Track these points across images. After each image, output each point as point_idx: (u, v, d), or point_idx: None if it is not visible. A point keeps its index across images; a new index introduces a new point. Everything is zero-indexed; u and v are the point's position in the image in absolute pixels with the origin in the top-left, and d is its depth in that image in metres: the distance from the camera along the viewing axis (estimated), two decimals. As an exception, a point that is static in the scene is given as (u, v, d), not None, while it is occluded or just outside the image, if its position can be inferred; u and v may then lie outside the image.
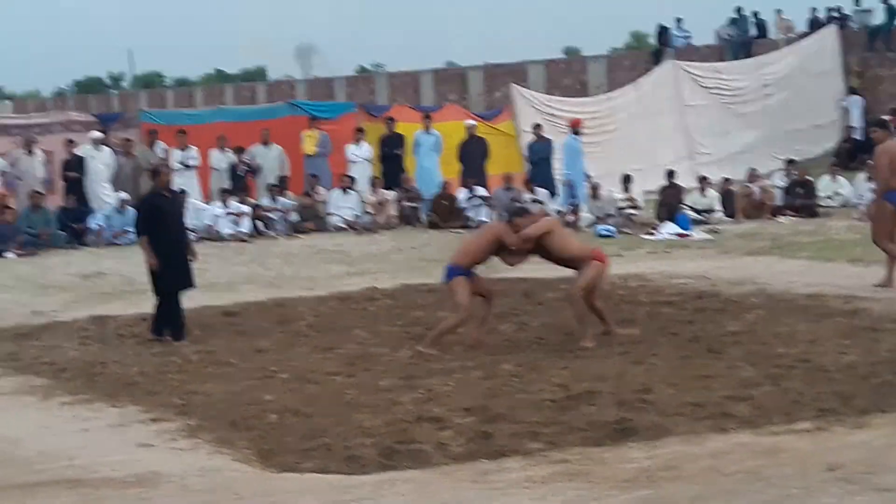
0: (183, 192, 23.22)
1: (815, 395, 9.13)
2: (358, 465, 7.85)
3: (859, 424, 8.28)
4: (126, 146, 24.21)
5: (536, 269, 16.72)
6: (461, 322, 11.89)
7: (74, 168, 23.42)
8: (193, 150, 24.42)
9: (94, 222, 22.62)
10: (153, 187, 13.64)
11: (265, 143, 25.20)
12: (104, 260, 20.09)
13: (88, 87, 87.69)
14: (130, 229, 22.52)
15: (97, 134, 24.19)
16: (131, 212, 22.81)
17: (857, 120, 32.27)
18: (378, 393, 9.87)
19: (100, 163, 23.74)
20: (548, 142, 25.77)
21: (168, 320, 13.08)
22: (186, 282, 13.34)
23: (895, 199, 14.31)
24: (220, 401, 9.80)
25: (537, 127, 26.16)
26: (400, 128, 26.16)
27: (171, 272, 13.13)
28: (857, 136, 31.57)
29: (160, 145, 24.30)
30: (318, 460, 8.01)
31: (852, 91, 32.86)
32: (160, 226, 13.08)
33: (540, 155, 25.82)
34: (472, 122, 26.51)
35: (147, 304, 15.25)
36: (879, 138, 15.00)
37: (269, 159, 25.12)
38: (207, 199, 24.15)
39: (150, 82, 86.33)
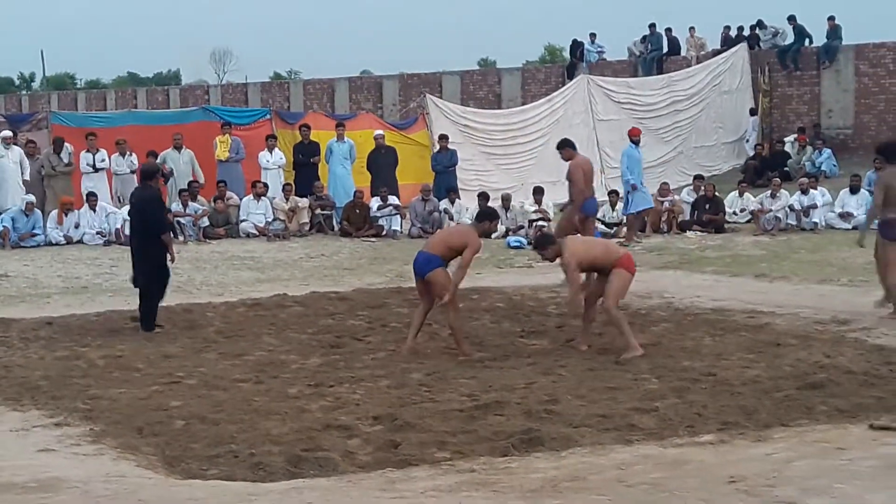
0: (92, 194, 23.01)
1: (718, 408, 9.26)
2: (265, 472, 7.81)
3: (761, 438, 8.42)
4: (30, 148, 23.89)
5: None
6: (457, 308, 12.04)
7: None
8: (103, 153, 24.14)
9: (0, 224, 22.23)
10: (152, 187, 14.03)
11: (177, 147, 24.99)
12: (9, 262, 19.78)
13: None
14: (38, 231, 22.29)
15: (7, 133, 23.81)
16: (38, 214, 22.54)
17: (753, 140, 32.91)
18: (286, 400, 9.85)
19: (10, 161, 23.39)
20: (452, 152, 25.90)
21: (154, 312, 13.60)
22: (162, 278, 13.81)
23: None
24: (125, 406, 9.70)
25: (442, 138, 26.28)
26: (314, 135, 26.09)
27: (161, 269, 13.69)
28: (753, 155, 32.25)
29: (67, 150, 23.99)
30: (224, 467, 7.96)
31: (752, 112, 33.42)
32: (154, 224, 13.65)
33: (444, 164, 25.98)
34: (380, 132, 26.52)
35: (51, 308, 15.11)
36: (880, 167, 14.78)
37: (181, 164, 24.91)
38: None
39: (61, 84, 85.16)
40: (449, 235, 12.47)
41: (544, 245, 12.09)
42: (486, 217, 12.83)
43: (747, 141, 33.44)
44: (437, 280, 11.84)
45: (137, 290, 13.79)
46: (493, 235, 22.83)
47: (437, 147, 26.33)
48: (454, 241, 11.99)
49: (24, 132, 24.96)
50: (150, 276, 13.69)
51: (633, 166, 22.73)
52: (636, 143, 23.05)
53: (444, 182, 25.59)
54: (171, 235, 13.86)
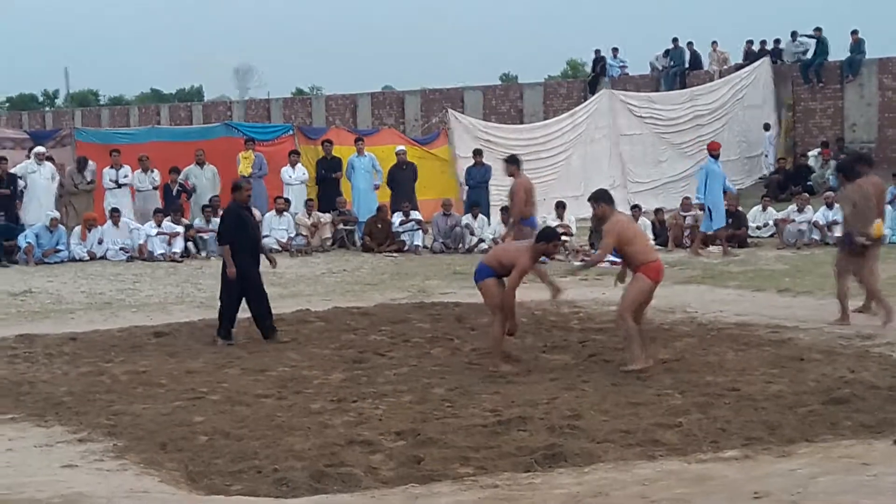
0: (115, 210, 23.11)
1: (742, 423, 9.22)
2: (288, 488, 7.81)
3: (785, 453, 8.37)
4: (60, 162, 24.08)
5: (472, 294, 16.80)
6: (502, 323, 12.01)
7: (4, 185, 23.15)
8: (126, 169, 24.25)
9: (24, 240, 22.35)
10: (235, 200, 14.22)
11: (200, 163, 25.09)
12: (33, 278, 19.87)
13: (22, 104, 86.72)
14: (61, 248, 22.40)
15: (41, 149, 24.05)
16: (62, 230, 22.66)
17: (770, 156, 32.85)
18: (309, 416, 9.84)
19: (42, 178, 23.57)
20: (486, 167, 25.92)
21: (231, 322, 13.88)
22: (253, 287, 13.99)
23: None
24: (149, 422, 9.72)
25: (477, 153, 26.32)
26: (337, 151, 26.17)
27: (240, 278, 13.80)
28: (770, 170, 32.21)
29: (90, 167, 24.13)
30: (247, 483, 7.96)
31: (766, 128, 33.31)
32: (241, 237, 13.86)
33: (477, 180, 25.99)
34: (401, 147, 26.59)
35: (75, 324, 15.17)
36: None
37: (204, 180, 25.01)
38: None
39: (84, 100, 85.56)
40: (504, 251, 12.43)
41: (600, 199, 11.95)
42: (544, 238, 12.15)
43: (766, 156, 33.34)
44: (484, 290, 12.10)
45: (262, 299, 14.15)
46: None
47: (473, 161, 26.32)
48: (505, 258, 12.06)
49: (48, 148, 25.10)
50: (221, 285, 14.02)
51: (713, 182, 22.57)
52: (716, 157, 22.94)
53: (477, 197, 25.60)
54: (228, 253, 13.90)
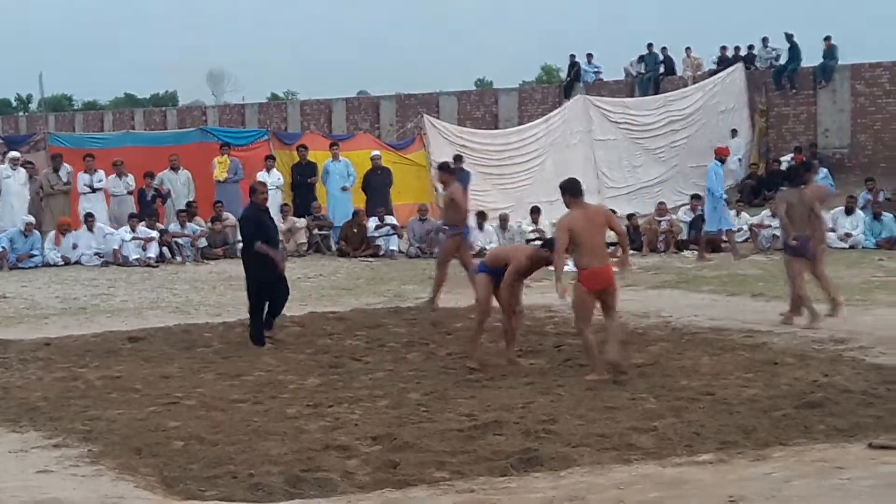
0: (90, 215, 23.02)
1: (717, 427, 9.27)
2: (264, 493, 7.81)
3: (760, 457, 8.42)
4: (28, 170, 23.97)
5: (444, 299, 16.82)
6: (480, 319, 12.31)
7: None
8: (101, 174, 24.17)
9: (-1, 245, 22.25)
10: (253, 203, 14.38)
11: (174, 168, 25.04)
12: (7, 283, 19.79)
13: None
14: (36, 252, 22.30)
15: (14, 154, 23.95)
16: (36, 235, 22.56)
17: (734, 163, 32.66)
18: (285, 421, 9.84)
19: (16, 182, 23.49)
20: (466, 173, 25.97)
21: (262, 326, 13.93)
22: (279, 290, 14.12)
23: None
24: (124, 427, 9.69)
25: (457, 158, 26.34)
26: (312, 156, 26.16)
27: (267, 281, 13.97)
28: (736, 178, 32.12)
29: (66, 168, 24.04)
30: (223, 488, 7.95)
31: (733, 134, 33.27)
32: (263, 238, 13.96)
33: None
34: (376, 152, 26.61)
35: (49, 329, 15.12)
36: (805, 180, 15.36)
37: (179, 185, 24.97)
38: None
39: (58, 105, 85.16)
40: (503, 249, 12.66)
41: (565, 190, 11.94)
42: (549, 245, 12.12)
43: (740, 161, 33.21)
44: (475, 283, 12.59)
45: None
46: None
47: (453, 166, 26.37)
48: (503, 255, 12.42)
49: (22, 153, 25.00)
50: (248, 289, 14.15)
51: (718, 185, 22.75)
52: (722, 161, 23.03)
53: None
54: (267, 246, 13.99)
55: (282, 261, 14.25)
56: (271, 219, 14.64)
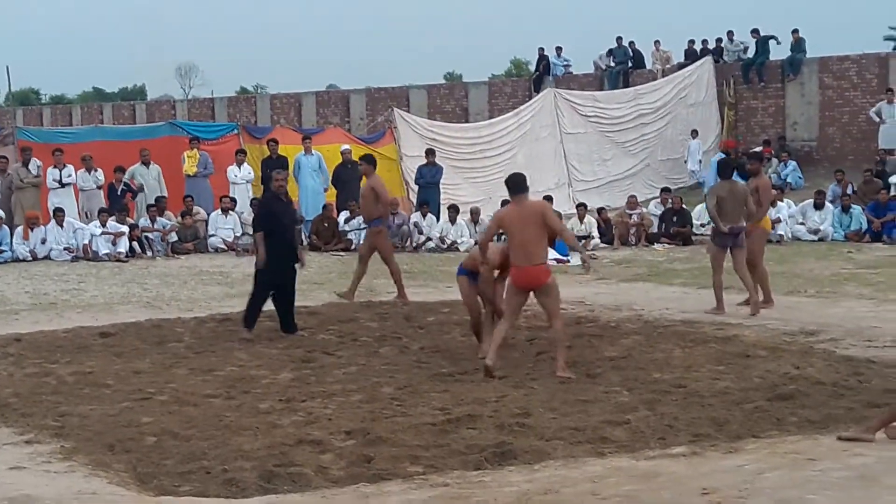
0: (59, 210, 22.89)
1: (689, 420, 9.31)
2: (237, 488, 7.79)
3: (732, 449, 8.45)
4: (0, 164, 23.82)
5: (417, 293, 16.83)
6: (474, 321, 12.56)
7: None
8: (70, 169, 24.03)
9: (-33, 240, 22.10)
10: (270, 190, 14.65)
11: (145, 163, 24.93)
12: (-24, 278, 19.66)
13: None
14: (4, 248, 22.16)
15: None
16: (5, 230, 22.42)
17: (693, 163, 32.70)
18: (258, 416, 9.82)
19: (-17, 179, 23.37)
20: (438, 167, 26.01)
21: (257, 313, 13.97)
22: (287, 280, 14.17)
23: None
24: (96, 423, 9.65)
25: (430, 153, 26.42)
26: (282, 150, 26.08)
27: (275, 269, 13.92)
28: (696, 178, 32.17)
29: (35, 162, 23.90)
30: (196, 483, 7.93)
31: (693, 134, 33.23)
32: (273, 226, 13.98)
33: (428, 179, 26.06)
34: (346, 146, 26.56)
35: (19, 325, 15.04)
36: (754, 170, 15.76)
37: (150, 179, 24.86)
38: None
39: (26, 99, 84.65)
40: (477, 251, 12.55)
41: (507, 184, 11.93)
42: None
43: (685, 162, 33.11)
44: (458, 285, 12.68)
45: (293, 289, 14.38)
46: (462, 248, 22.95)
47: (423, 161, 26.45)
48: (477, 256, 12.38)
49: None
50: (254, 275, 14.19)
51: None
52: (727, 154, 23.08)
53: (427, 196, 25.71)
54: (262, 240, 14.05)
55: (264, 258, 14.00)
56: (287, 206, 14.55)
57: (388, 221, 17.63)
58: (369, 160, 17.70)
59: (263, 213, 14.46)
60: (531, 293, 11.63)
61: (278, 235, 14.00)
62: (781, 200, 24.36)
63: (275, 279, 13.99)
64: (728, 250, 15.24)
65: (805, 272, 18.89)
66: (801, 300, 15.96)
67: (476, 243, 13.09)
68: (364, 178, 17.51)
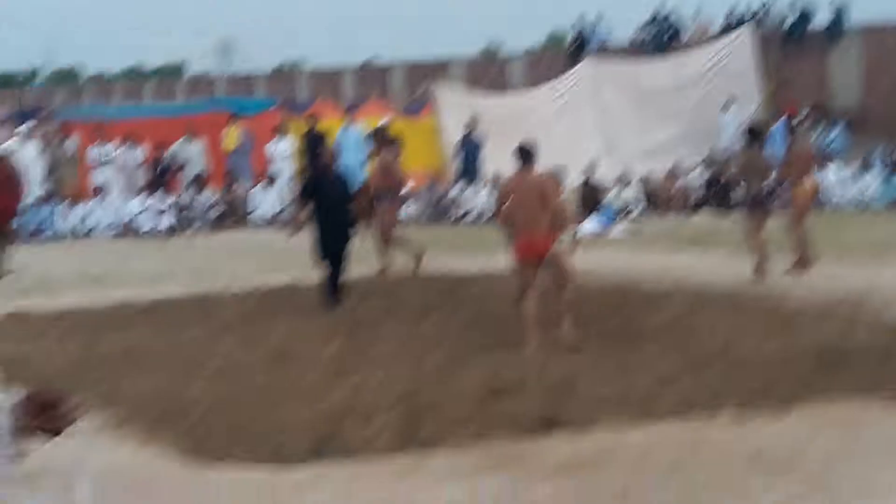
0: (101, 187, 23.05)
1: (736, 386, 9.24)
2: (284, 458, 7.81)
3: (779, 416, 8.40)
4: (40, 143, 24.01)
5: (458, 265, 16.82)
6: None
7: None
8: (110, 146, 24.16)
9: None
10: (319, 164, 15.01)
11: (189, 139, 25.03)
12: (21, 255, 19.76)
13: (3, 83, 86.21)
14: (48, 225, 22.34)
15: (24, 128, 23.94)
16: (48, 208, 22.60)
17: (728, 138, 32.12)
18: (305, 386, 9.83)
19: (27, 157, 23.50)
20: (479, 139, 25.98)
21: (333, 288, 14.13)
22: (338, 254, 14.21)
23: None
24: (143, 395, 9.69)
25: (470, 124, 26.39)
26: (322, 125, 26.09)
27: (325, 244, 14.15)
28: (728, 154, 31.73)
29: (73, 140, 24.04)
30: (243, 454, 7.95)
31: (726, 108, 32.75)
32: (319, 198, 14.17)
33: (469, 151, 26.04)
34: (385, 121, 26.52)
35: (64, 300, 15.16)
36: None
37: (194, 155, 24.96)
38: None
39: (66, 78, 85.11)
40: None
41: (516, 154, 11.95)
42: None
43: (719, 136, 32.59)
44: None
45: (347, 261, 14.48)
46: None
47: (465, 132, 26.46)
48: None
49: (32, 128, 25.01)
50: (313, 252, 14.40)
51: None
52: (791, 118, 23.00)
53: (468, 168, 25.68)
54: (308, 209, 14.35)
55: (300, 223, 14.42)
56: (336, 182, 14.56)
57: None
58: (380, 133, 17.56)
59: (307, 185, 14.71)
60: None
61: (325, 209, 14.07)
62: (826, 167, 24.16)
63: (326, 253, 14.11)
64: (755, 215, 15.44)
65: (852, 238, 18.73)
66: (847, 265, 15.82)
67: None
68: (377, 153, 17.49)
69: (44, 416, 3.22)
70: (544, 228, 11.39)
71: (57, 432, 3.26)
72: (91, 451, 8.11)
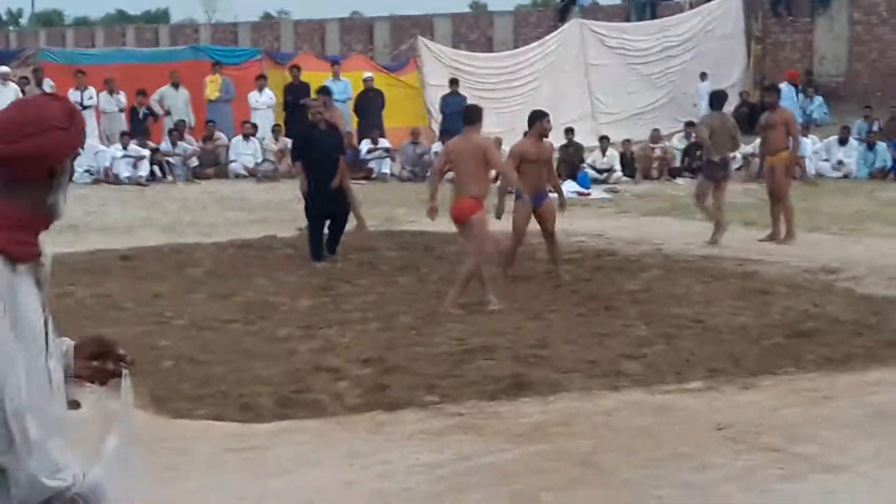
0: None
1: (706, 355, 9.27)
2: (253, 413, 7.82)
3: (749, 385, 8.45)
4: (23, 84, 23.81)
5: (438, 222, 16.79)
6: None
7: (-32, 104, 22.90)
8: (91, 91, 23.99)
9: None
10: (304, 120, 14.74)
11: (175, 85, 24.86)
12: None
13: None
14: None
15: (5, 69, 23.73)
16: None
17: (706, 106, 31.92)
18: (275, 342, 9.85)
19: (5, 100, 23.27)
20: (462, 97, 25.83)
21: (319, 244, 13.95)
22: (336, 208, 14.05)
23: None
24: (117, 343, 9.65)
25: (453, 82, 26.26)
26: (305, 76, 25.95)
27: (322, 199, 13.85)
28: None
29: (48, 83, 23.84)
30: (213, 407, 7.96)
31: (703, 77, 32.63)
32: (311, 155, 14.00)
33: (453, 109, 25.88)
34: (369, 74, 26.42)
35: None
36: (772, 103, 16.01)
37: (179, 103, 24.79)
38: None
39: (49, 21, 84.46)
40: None
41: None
42: None
43: (695, 106, 32.46)
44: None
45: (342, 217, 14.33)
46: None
47: (447, 90, 26.30)
48: None
49: (12, 69, 24.80)
50: (305, 207, 14.26)
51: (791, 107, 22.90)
52: (795, 86, 22.93)
53: (451, 126, 25.52)
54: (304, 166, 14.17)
55: (305, 186, 14.06)
56: (326, 134, 14.23)
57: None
58: (324, 91, 16.98)
59: (299, 144, 14.56)
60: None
61: (320, 165, 13.92)
62: (807, 136, 24.15)
63: (324, 209, 13.94)
64: (715, 182, 15.67)
65: (828, 209, 18.79)
66: (822, 237, 15.88)
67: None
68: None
69: (92, 365, 3.23)
70: (475, 192, 11.33)
71: (103, 382, 3.27)
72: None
